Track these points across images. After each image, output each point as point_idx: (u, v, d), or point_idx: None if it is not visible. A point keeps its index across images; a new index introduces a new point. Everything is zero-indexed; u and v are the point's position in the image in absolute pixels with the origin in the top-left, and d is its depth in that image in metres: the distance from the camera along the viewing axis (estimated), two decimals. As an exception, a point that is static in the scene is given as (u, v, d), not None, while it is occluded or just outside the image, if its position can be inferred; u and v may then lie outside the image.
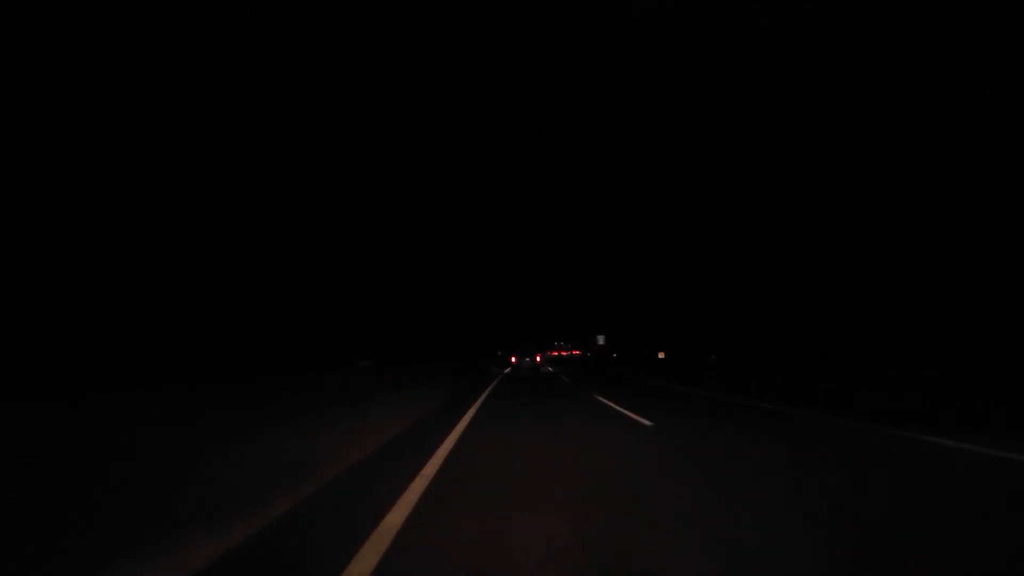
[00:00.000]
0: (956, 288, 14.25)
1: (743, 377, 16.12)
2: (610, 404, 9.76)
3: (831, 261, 18.39)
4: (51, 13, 7.18)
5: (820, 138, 18.28)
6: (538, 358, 40.58)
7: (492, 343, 47.59)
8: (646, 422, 7.13)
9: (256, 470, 3.51)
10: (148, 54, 8.69)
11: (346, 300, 16.49)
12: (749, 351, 20.09)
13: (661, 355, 26.73)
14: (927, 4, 14.85)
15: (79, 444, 2.63)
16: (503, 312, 51.51)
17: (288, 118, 13.19)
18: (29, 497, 2.20)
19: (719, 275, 24.16)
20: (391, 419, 6.62)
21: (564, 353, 62.70)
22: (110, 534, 2.35)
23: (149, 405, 3.66)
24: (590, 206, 45.21)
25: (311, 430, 4.66)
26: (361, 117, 18.31)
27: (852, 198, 17.53)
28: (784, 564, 2.29)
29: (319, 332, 14.79)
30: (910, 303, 14.93)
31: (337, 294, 15.97)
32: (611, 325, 49.62)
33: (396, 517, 2.97)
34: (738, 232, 23.50)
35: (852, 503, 3.24)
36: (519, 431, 6.57)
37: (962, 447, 4.93)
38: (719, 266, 24.28)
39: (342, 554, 2.44)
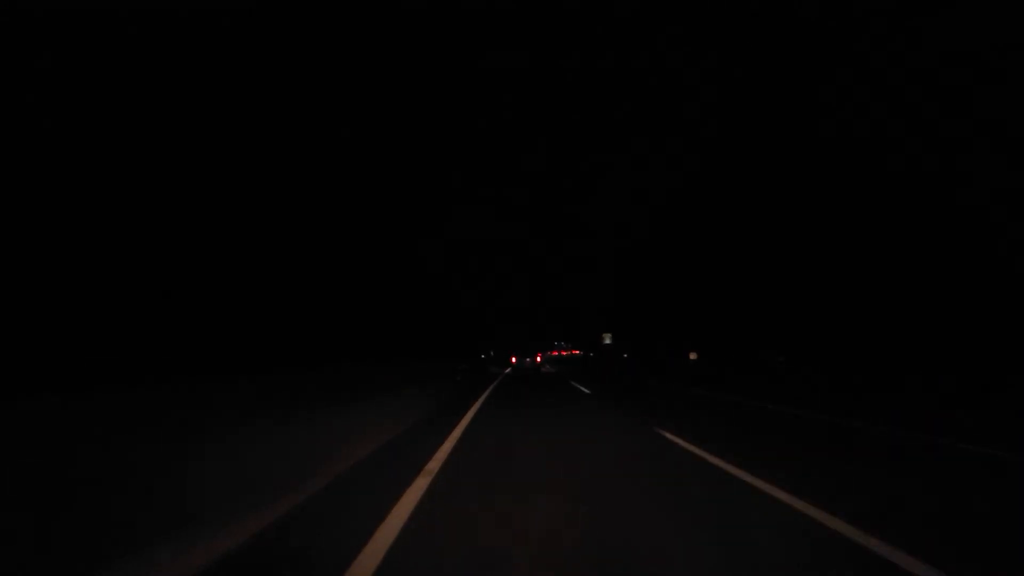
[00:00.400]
0: None
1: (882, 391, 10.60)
2: (729, 470, 4.37)
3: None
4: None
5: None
6: (539, 358, 39.67)
7: (483, 342, 43.37)
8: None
9: (251, 472, 3.40)
10: (135, 45, 8.30)
11: (338, 299, 15.57)
12: (828, 351, 14.48)
13: (693, 356, 21.33)
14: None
15: (78, 444, 2.56)
16: (501, 311, 49.41)
17: (284, 115, 12.52)
18: (30, 498, 2.14)
19: (768, 255, 18.74)
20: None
21: (564, 353, 59.41)
22: (111, 534, 2.30)
23: (145, 406, 3.56)
24: (590, 197, 41.94)
25: (306, 431, 4.46)
26: (358, 112, 17.39)
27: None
28: None
29: (311, 332, 13.97)
30: None
31: (330, 293, 15.14)
32: (618, 323, 44.71)
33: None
34: (785, 199, 18.10)
35: None
36: None
37: None
38: (766, 243, 18.88)
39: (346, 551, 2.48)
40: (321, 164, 14.66)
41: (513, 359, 39.99)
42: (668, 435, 5.78)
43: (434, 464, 4.38)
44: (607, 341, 45.27)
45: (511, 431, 6.29)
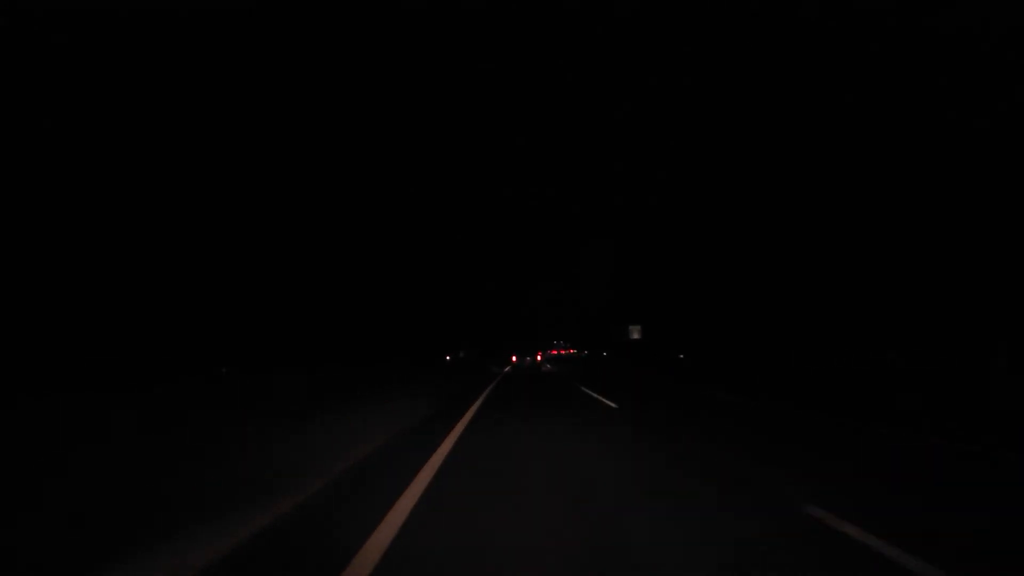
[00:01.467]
0: None
1: None
2: None
3: None
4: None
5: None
6: (539, 356, 40.84)
7: (456, 340, 40.17)
8: None
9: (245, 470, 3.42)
10: (139, 48, 8.23)
11: (336, 300, 15.72)
12: None
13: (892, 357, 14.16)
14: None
15: (81, 444, 2.54)
16: (501, 312, 51.39)
17: (283, 117, 12.62)
18: (31, 498, 2.16)
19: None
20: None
21: (563, 352, 60.02)
22: (113, 532, 2.28)
23: (143, 406, 3.68)
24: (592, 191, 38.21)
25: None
26: (360, 115, 18.24)
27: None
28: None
29: (310, 332, 14.23)
30: None
31: (331, 294, 15.31)
32: (648, 315, 38.01)
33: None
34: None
35: None
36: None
37: None
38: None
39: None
40: (321, 164, 14.71)
41: (514, 358, 40.56)
42: None
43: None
44: (635, 336, 38.09)
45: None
